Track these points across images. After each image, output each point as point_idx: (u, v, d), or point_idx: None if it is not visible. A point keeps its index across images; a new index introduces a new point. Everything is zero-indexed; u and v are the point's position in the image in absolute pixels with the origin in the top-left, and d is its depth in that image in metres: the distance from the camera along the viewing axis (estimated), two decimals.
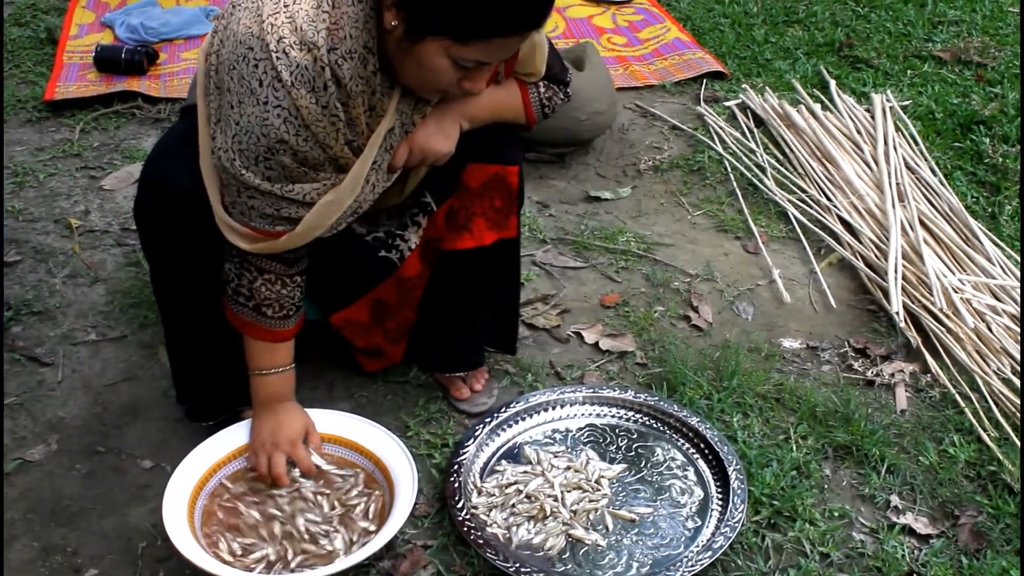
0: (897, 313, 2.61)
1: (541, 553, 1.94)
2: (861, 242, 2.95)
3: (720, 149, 3.47)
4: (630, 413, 2.27)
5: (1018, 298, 2.63)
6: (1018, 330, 2.53)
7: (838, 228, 3.02)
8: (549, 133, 3.24)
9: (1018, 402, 2.32)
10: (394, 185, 1.93)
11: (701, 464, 2.15)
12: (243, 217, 1.78)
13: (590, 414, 2.28)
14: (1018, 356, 2.44)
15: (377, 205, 1.94)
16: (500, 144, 2.03)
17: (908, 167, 3.31)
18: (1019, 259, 2.80)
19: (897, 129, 3.53)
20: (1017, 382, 2.37)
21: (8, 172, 3.18)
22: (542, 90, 2.01)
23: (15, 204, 3.02)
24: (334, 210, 1.79)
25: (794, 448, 2.22)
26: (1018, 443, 2.21)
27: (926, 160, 3.39)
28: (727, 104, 3.79)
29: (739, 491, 2.03)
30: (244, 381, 2.00)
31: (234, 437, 2.06)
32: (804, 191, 3.22)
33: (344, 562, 1.83)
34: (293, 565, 1.87)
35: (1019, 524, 1.98)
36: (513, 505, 2.02)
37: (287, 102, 1.65)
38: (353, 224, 1.99)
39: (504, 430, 2.21)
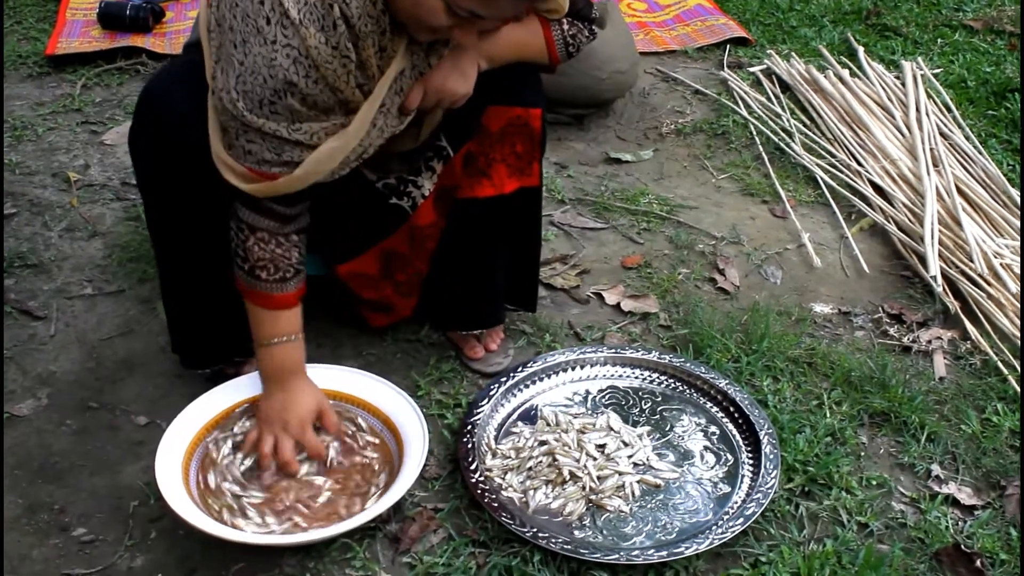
0: (934, 278, 2.48)
1: (560, 519, 1.82)
2: (894, 207, 2.81)
3: (745, 113, 3.34)
4: (654, 375, 2.14)
5: None
6: None
7: (869, 193, 2.89)
8: (568, 93, 3.11)
9: None
10: (408, 129, 1.80)
11: (730, 428, 2.02)
12: (240, 159, 1.65)
13: (612, 375, 2.15)
14: None
15: (390, 150, 1.81)
16: (521, 85, 1.91)
17: (942, 134, 3.17)
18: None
19: (929, 97, 3.38)
20: None
21: (6, 126, 3.07)
22: (565, 27, 1.88)
23: (12, 158, 2.91)
24: (337, 155, 1.66)
25: (828, 414, 2.09)
26: None
27: (960, 127, 3.24)
28: (752, 70, 3.66)
29: (771, 456, 1.90)
30: (242, 329, 1.88)
31: (233, 392, 1.94)
32: (833, 156, 3.08)
33: (347, 523, 1.71)
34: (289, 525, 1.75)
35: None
36: (530, 468, 1.89)
37: (296, 41, 1.53)
38: (363, 170, 1.87)
39: (521, 390, 2.08)
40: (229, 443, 1.86)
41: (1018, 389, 2.16)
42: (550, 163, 3.01)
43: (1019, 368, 2.21)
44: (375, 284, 2.09)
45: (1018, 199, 2.80)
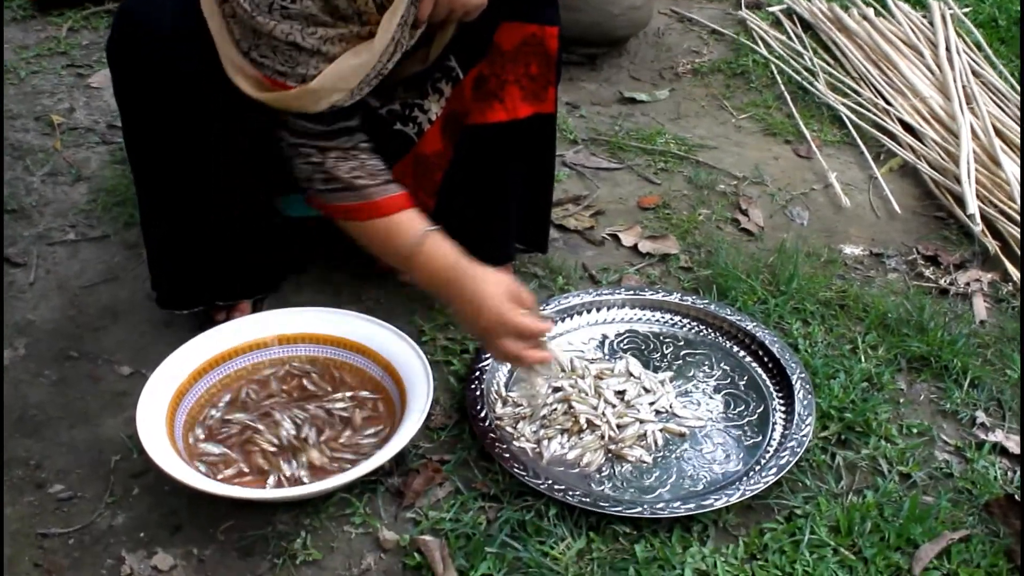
0: (972, 216, 2.32)
1: (576, 470, 1.68)
2: (925, 146, 2.65)
3: (765, 53, 3.17)
4: (676, 318, 2.00)
5: None
6: None
7: (899, 131, 2.73)
8: (579, 30, 2.94)
9: None
10: (417, 49, 1.65)
11: (759, 373, 1.87)
12: (256, 68, 1.52)
13: (631, 319, 2.00)
14: None
15: (396, 74, 1.66)
16: (538, 0, 1.76)
17: (973, 72, 3.00)
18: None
19: (958, 35, 3.21)
20: None
21: None
22: None
23: None
24: (360, 71, 1.51)
25: (863, 359, 1.94)
26: None
27: (993, 65, 3.07)
28: (771, 9, 3.48)
29: (806, 403, 1.76)
30: (224, 270, 1.74)
31: (222, 339, 1.80)
32: (859, 95, 2.92)
33: (345, 476, 1.57)
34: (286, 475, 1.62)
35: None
36: (544, 416, 1.74)
37: None
38: (366, 96, 1.72)
39: None
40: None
41: None
42: (561, 103, 2.83)
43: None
44: None
45: None
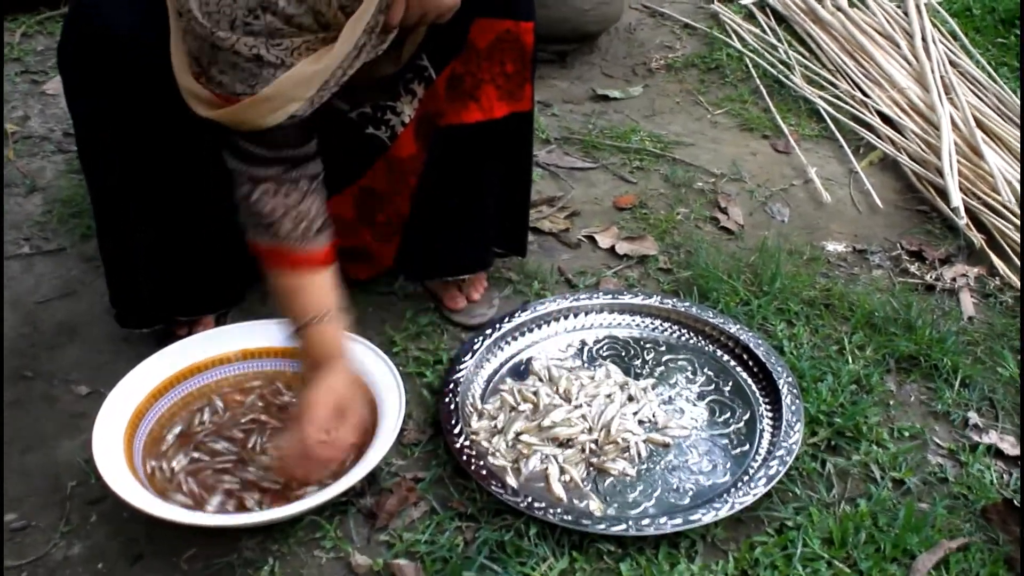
0: (956, 210, 2.27)
1: (557, 486, 1.60)
2: (905, 138, 2.59)
3: (739, 46, 3.11)
4: (656, 322, 1.93)
5: None
6: None
7: (877, 123, 2.67)
8: (549, 26, 2.85)
9: None
10: (388, 52, 1.55)
11: (744, 378, 1.81)
12: (212, 87, 1.41)
13: (610, 324, 1.93)
14: None
15: (367, 76, 1.57)
16: None
17: (951, 62, 2.95)
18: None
19: (934, 25, 3.15)
20: None
21: None
22: None
23: None
24: (316, 79, 1.40)
25: (850, 359, 1.88)
26: None
27: (970, 55, 3.02)
28: (744, 2, 3.42)
29: (794, 408, 1.69)
30: (184, 285, 1.65)
31: (182, 355, 1.72)
32: (836, 87, 2.86)
33: (314, 499, 1.48)
34: (250, 503, 1.53)
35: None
36: (520, 431, 1.67)
37: None
38: (333, 100, 1.63)
39: (508, 343, 1.87)
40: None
41: None
42: None
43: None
44: (352, 230, 1.86)
45: None
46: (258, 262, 1.54)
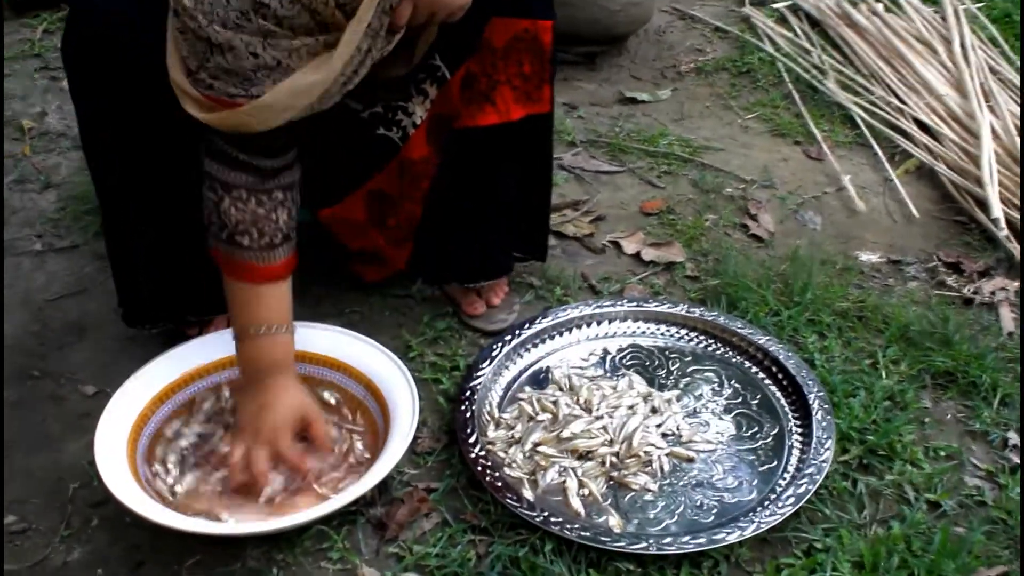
0: (996, 221, 2.18)
1: (575, 500, 1.53)
2: (943, 146, 2.51)
3: (771, 50, 3.04)
4: (683, 331, 1.86)
5: None
6: None
7: (914, 131, 2.59)
8: (577, 27, 2.81)
9: None
10: (399, 52, 1.49)
11: (773, 391, 1.74)
12: (201, 90, 1.35)
13: (634, 332, 1.87)
14: None
15: (377, 77, 1.51)
16: None
17: (991, 69, 2.86)
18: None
19: (972, 31, 3.07)
20: None
21: None
22: None
23: None
24: (316, 89, 1.34)
25: (884, 375, 1.80)
26: None
27: (1010, 62, 2.93)
28: (776, 6, 3.34)
29: (824, 424, 1.62)
30: (193, 284, 1.60)
31: (190, 356, 1.67)
32: (871, 93, 2.78)
33: (322, 507, 1.43)
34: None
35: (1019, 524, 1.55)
36: (538, 442, 1.61)
37: None
38: (345, 99, 1.57)
39: (527, 351, 1.81)
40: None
41: None
42: (558, 104, 2.68)
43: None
44: (363, 232, 1.81)
45: None
46: (215, 259, 1.51)
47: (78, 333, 1.90)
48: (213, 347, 1.67)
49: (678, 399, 1.72)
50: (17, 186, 2.34)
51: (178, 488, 1.51)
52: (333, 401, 1.65)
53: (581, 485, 1.55)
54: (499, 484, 1.51)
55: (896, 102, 2.72)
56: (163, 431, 1.59)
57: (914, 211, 2.32)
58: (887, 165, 2.49)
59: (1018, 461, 1.65)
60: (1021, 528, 1.48)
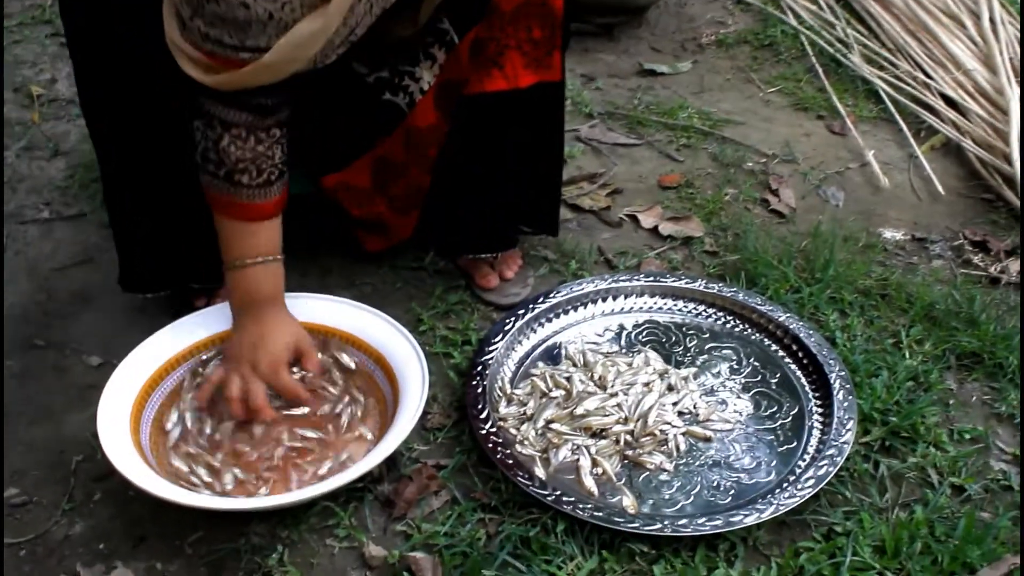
0: None
1: (588, 479, 1.49)
2: (971, 122, 2.44)
3: (795, 23, 2.96)
4: (700, 307, 1.81)
5: None
6: None
7: (940, 106, 2.52)
8: None
9: None
10: (404, 12, 1.45)
11: (793, 369, 1.69)
12: (198, 43, 1.32)
13: (651, 308, 1.82)
14: None
15: (384, 38, 1.47)
16: None
17: (1021, 44, 2.78)
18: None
19: (1002, 5, 2.99)
20: None
21: None
22: None
23: None
24: (318, 38, 1.30)
25: (908, 354, 1.75)
26: None
27: None
28: None
29: (846, 404, 1.57)
30: (199, 250, 1.57)
31: (197, 327, 1.63)
32: (896, 67, 2.71)
33: (328, 483, 1.39)
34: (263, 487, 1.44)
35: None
36: (550, 419, 1.57)
37: None
38: (351, 62, 1.54)
39: (541, 325, 1.76)
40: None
41: None
42: (575, 75, 2.66)
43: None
44: (367, 198, 1.76)
45: None
46: (207, 197, 1.48)
47: (84, 303, 1.87)
48: (220, 318, 1.63)
49: (695, 377, 1.67)
50: (25, 153, 2.30)
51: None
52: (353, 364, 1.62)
53: (595, 464, 1.51)
54: (510, 462, 1.47)
55: (922, 77, 2.65)
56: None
57: (940, 188, 2.26)
58: (912, 141, 2.42)
59: None
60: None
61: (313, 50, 1.31)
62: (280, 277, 1.53)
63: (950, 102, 2.54)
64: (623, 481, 1.49)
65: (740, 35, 2.95)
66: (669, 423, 1.56)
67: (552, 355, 1.72)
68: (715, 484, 1.49)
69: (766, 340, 1.74)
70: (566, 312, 1.78)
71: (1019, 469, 1.56)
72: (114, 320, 1.82)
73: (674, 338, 1.76)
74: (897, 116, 2.53)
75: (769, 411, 1.61)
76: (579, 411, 1.56)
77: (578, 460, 1.51)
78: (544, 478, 1.47)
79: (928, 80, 2.62)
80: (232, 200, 1.45)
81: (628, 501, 1.45)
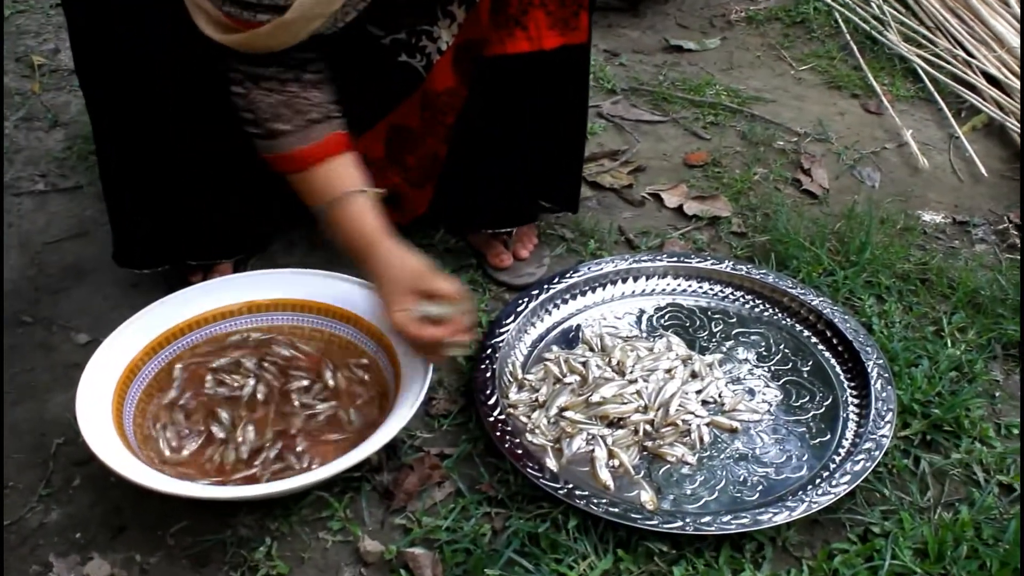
0: None
1: (603, 471, 1.39)
2: (1015, 101, 2.32)
3: (829, 0, 2.84)
4: (727, 290, 1.71)
5: None
6: None
7: (983, 85, 2.39)
8: None
9: None
10: None
11: (828, 357, 1.58)
12: (217, 2, 1.25)
13: (674, 290, 1.72)
14: None
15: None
16: None
17: None
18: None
19: None
20: None
21: None
22: None
23: None
24: None
25: (950, 343, 1.64)
26: None
27: None
28: None
29: (884, 395, 1.46)
30: (194, 226, 1.49)
31: (187, 303, 1.53)
32: (935, 45, 2.59)
33: (322, 471, 1.29)
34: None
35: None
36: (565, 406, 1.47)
37: None
38: (367, 25, 1.44)
39: (556, 307, 1.67)
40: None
41: None
42: (599, 50, 2.55)
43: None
44: (381, 170, 1.66)
45: None
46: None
47: (75, 278, 1.79)
48: (214, 294, 1.55)
49: (721, 363, 1.57)
50: (24, 124, 2.23)
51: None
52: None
53: (611, 455, 1.41)
54: (519, 452, 1.37)
55: (963, 55, 2.52)
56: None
57: (982, 170, 2.15)
58: (952, 121, 2.30)
59: None
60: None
61: (335, 6, 1.25)
62: (366, 212, 1.39)
63: (993, 81, 2.42)
64: (641, 474, 1.39)
65: (771, 12, 2.84)
66: (692, 413, 1.47)
67: (567, 338, 1.63)
68: (741, 479, 1.38)
69: (798, 325, 1.64)
70: (583, 293, 1.69)
71: None
72: (107, 296, 1.74)
73: (699, 322, 1.65)
74: (936, 95, 2.42)
75: (800, 401, 1.50)
76: (595, 398, 1.47)
77: (593, 451, 1.41)
78: (556, 470, 1.38)
79: (969, 58, 2.50)
80: (282, 155, 1.38)
81: (647, 496, 1.35)
